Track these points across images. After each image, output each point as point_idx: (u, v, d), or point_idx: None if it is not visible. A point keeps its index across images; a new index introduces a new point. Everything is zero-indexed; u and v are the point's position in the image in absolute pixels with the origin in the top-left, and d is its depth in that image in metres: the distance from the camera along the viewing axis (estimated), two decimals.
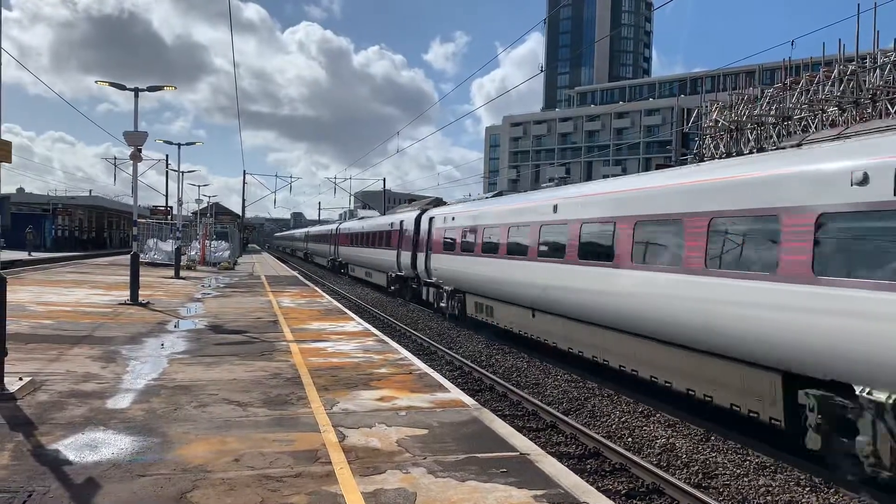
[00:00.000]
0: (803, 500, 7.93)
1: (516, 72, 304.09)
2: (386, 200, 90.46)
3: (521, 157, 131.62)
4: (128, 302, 19.88)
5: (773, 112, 35.24)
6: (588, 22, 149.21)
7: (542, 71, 25.06)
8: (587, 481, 6.81)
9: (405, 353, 13.24)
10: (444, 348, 17.84)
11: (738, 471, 8.91)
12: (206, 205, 66.23)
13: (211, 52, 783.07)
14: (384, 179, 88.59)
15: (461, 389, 10.57)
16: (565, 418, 11.08)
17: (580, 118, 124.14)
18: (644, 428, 10.89)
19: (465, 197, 31.58)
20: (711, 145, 39.55)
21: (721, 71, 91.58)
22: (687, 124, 45.52)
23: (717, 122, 40.11)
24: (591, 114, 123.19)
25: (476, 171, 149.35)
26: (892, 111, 26.69)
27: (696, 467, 9.05)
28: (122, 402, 8.59)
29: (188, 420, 7.83)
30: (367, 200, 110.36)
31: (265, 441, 7.10)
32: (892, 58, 28.67)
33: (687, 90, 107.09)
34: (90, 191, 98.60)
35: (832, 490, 8.22)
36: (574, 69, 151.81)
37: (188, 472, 6.13)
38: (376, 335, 15.48)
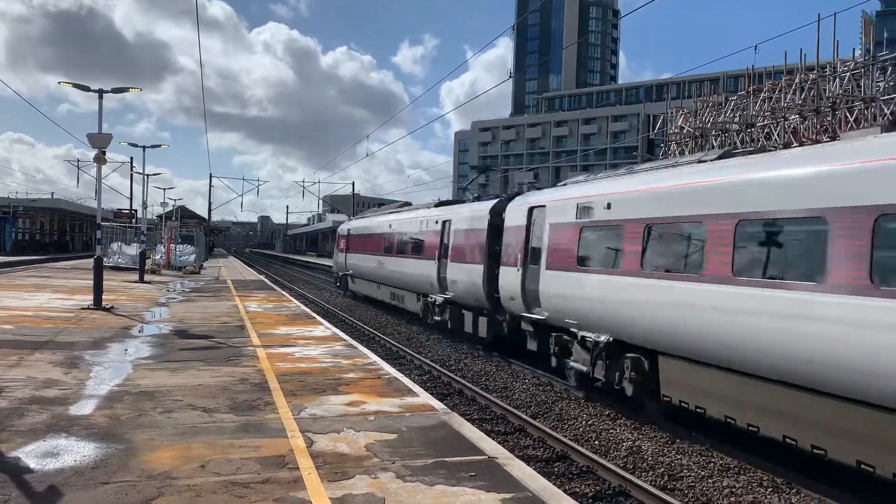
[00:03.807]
0: (766, 501, 8.07)
1: (485, 76, 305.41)
2: (355, 204, 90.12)
3: (490, 162, 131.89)
4: (91, 306, 19.56)
5: (737, 119, 35.84)
6: (556, 29, 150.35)
7: (510, 77, 25.43)
8: (555, 484, 6.85)
9: (374, 357, 13.20)
10: (413, 352, 17.84)
11: (703, 472, 9.03)
12: (171, 208, 65.30)
13: (175, 50, 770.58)
14: (353, 183, 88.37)
15: (430, 394, 10.57)
16: (533, 422, 11.14)
17: (548, 124, 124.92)
18: (611, 431, 10.99)
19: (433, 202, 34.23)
20: (677, 151, 40.08)
21: (686, 78, 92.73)
22: (653, 130, 46.02)
23: (682, 128, 40.70)
24: (559, 119, 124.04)
25: (446, 174, 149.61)
26: (851, 119, 27.30)
27: (662, 469, 9.16)
28: (85, 408, 8.44)
29: (153, 426, 7.73)
30: (336, 204, 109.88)
31: (232, 447, 7.03)
32: (850, 67, 29.35)
33: (653, 96, 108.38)
34: (52, 193, 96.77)
35: (794, 490, 8.38)
36: (542, 75, 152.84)
37: (153, 478, 6.05)
38: (345, 340, 15.41)
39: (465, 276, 18.47)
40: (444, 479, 6.26)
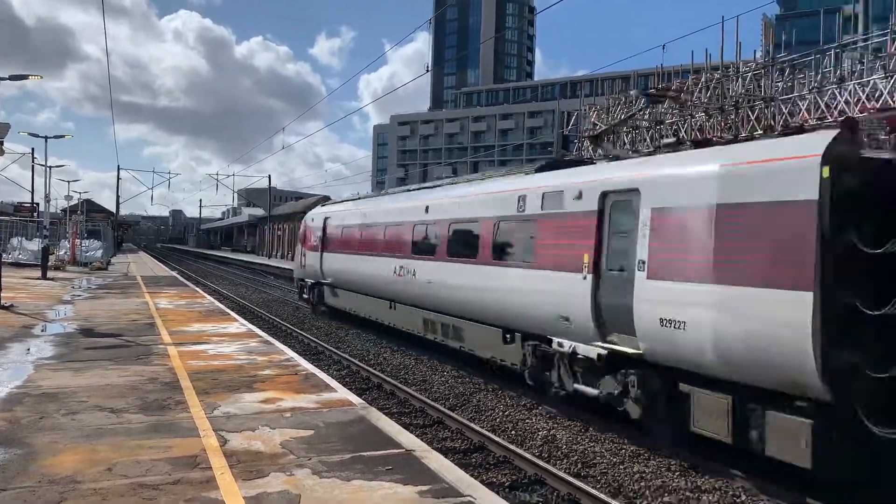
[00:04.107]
0: (673, 484, 8.39)
1: (404, 69, 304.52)
2: (271, 198, 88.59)
3: (409, 156, 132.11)
4: None
5: (647, 116, 36.96)
6: (473, 24, 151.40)
7: (427, 71, 25.37)
8: (472, 475, 6.94)
9: (291, 353, 13.02)
10: (331, 348, 17.67)
11: (615, 459, 9.32)
12: (76, 201, 62.55)
13: (79, 37, 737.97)
14: (269, 176, 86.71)
15: (348, 389, 10.51)
16: (451, 414, 11.23)
17: (466, 119, 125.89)
18: (527, 421, 11.19)
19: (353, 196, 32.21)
20: (590, 147, 41.02)
21: (599, 75, 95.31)
22: (567, 127, 47.00)
23: (595, 125, 41.66)
24: (476, 115, 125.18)
25: (364, 169, 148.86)
26: (752, 117, 28.59)
27: (576, 457, 9.39)
28: None
29: (56, 429, 7.40)
30: (252, 198, 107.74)
31: (141, 448, 6.81)
32: (752, 68, 30.71)
33: (567, 93, 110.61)
34: None
35: (699, 473, 8.74)
36: (460, 70, 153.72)
37: (55, 483, 5.80)
38: (261, 336, 15.14)
39: (727, 315, 8.07)
40: (362, 474, 6.25)
